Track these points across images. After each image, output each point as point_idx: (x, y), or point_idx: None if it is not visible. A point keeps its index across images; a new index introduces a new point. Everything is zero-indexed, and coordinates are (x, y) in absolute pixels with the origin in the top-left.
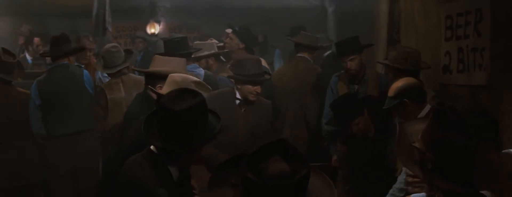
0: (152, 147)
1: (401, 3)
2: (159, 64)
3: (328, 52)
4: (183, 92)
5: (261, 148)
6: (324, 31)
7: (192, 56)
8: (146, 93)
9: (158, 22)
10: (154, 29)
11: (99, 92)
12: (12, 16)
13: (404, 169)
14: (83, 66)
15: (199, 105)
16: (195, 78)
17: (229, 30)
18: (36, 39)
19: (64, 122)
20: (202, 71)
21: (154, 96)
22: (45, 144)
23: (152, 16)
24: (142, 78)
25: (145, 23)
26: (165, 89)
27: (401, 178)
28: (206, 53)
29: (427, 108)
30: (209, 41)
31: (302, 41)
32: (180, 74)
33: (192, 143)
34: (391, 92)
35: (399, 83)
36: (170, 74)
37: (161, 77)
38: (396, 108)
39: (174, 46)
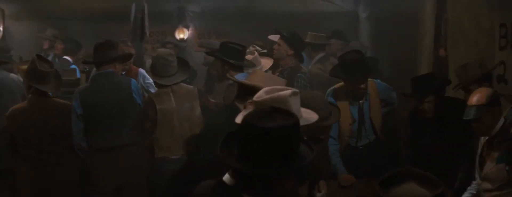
0: (225, 177)
1: (449, 9)
2: (259, 79)
3: None
4: (274, 111)
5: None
6: (356, 37)
7: None
8: (233, 105)
9: (187, 27)
10: (183, 34)
11: (147, 103)
12: (32, 21)
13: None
14: (123, 73)
15: (292, 126)
16: (294, 90)
17: (273, 37)
18: (61, 46)
19: (108, 134)
20: None
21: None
22: (86, 157)
23: (180, 21)
24: (193, 88)
25: (173, 28)
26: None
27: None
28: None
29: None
30: (251, 48)
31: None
32: (273, 87)
33: (277, 170)
34: (481, 99)
35: (487, 92)
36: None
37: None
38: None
39: (230, 54)
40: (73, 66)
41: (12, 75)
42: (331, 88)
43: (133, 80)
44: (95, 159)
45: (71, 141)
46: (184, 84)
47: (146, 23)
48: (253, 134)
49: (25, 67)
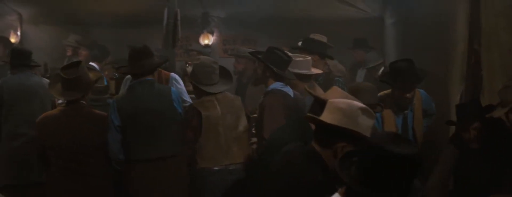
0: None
1: (482, 17)
2: (336, 96)
3: (382, 69)
4: (397, 137)
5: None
6: (382, 44)
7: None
8: (300, 119)
9: (211, 33)
10: (208, 40)
11: (190, 111)
12: (51, 25)
13: None
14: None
15: (420, 155)
16: (361, 104)
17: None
18: (85, 52)
19: (148, 145)
20: (290, 91)
21: (313, 126)
22: (122, 170)
23: (205, 26)
24: (237, 98)
25: (197, 34)
26: (326, 116)
27: None
28: (304, 72)
29: None
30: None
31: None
32: (344, 100)
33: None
34: None
35: None
36: (330, 100)
37: None
38: None
39: (274, 61)
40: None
41: (45, 80)
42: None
43: (172, 88)
44: (133, 171)
45: (105, 152)
46: (228, 93)
47: (179, 28)
48: (385, 159)
49: None
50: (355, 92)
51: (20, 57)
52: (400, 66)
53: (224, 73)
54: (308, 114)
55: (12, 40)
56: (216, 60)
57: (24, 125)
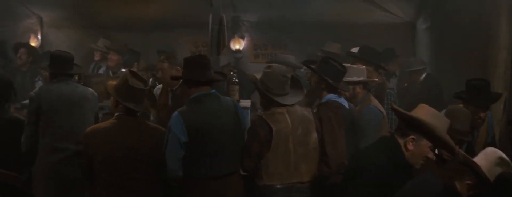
0: None
1: None
2: (424, 113)
3: (424, 74)
4: None
5: None
6: (413, 50)
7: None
8: (391, 141)
9: (242, 37)
10: (239, 45)
11: (258, 123)
12: (74, 29)
13: None
14: None
15: None
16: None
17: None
18: (115, 57)
19: (214, 162)
20: (345, 102)
21: (406, 153)
22: (180, 187)
23: (235, 31)
24: (307, 110)
25: (227, 39)
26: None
27: None
28: (356, 79)
29: None
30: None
31: None
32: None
33: None
34: None
35: None
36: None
37: (420, 129)
38: None
39: (330, 72)
40: None
41: (89, 90)
42: None
43: (235, 100)
44: (193, 188)
45: (157, 168)
46: (298, 106)
47: (225, 34)
48: None
49: (114, 82)
50: (451, 116)
51: (61, 65)
52: (478, 84)
53: (295, 83)
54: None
55: (33, 44)
56: (288, 70)
57: (65, 139)
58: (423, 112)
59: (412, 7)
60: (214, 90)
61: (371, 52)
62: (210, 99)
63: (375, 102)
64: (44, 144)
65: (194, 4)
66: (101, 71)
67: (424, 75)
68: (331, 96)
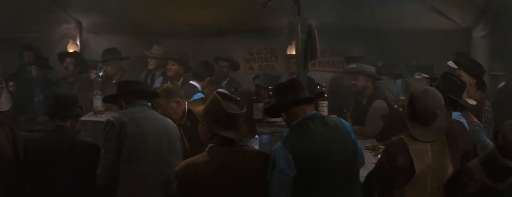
0: None
1: None
2: None
3: (503, 83)
4: None
5: None
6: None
7: None
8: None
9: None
10: (295, 52)
11: (394, 148)
12: (116, 34)
13: None
14: None
15: None
16: None
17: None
18: (175, 67)
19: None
20: (466, 122)
21: None
22: None
23: (292, 37)
24: (443, 140)
25: (282, 45)
26: None
27: None
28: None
29: None
30: (416, 76)
31: None
32: None
33: None
34: None
35: None
36: None
37: None
38: None
39: (451, 88)
40: (200, 94)
41: (168, 121)
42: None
43: (343, 120)
44: None
45: None
46: None
47: (317, 45)
48: None
49: (200, 108)
50: None
51: (131, 93)
52: None
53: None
54: None
55: (71, 50)
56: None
57: (150, 167)
58: None
59: (472, 13)
60: (315, 112)
61: (474, 63)
62: (312, 122)
63: (476, 120)
64: (127, 172)
65: (252, 10)
66: (159, 82)
67: (502, 84)
68: (455, 114)
